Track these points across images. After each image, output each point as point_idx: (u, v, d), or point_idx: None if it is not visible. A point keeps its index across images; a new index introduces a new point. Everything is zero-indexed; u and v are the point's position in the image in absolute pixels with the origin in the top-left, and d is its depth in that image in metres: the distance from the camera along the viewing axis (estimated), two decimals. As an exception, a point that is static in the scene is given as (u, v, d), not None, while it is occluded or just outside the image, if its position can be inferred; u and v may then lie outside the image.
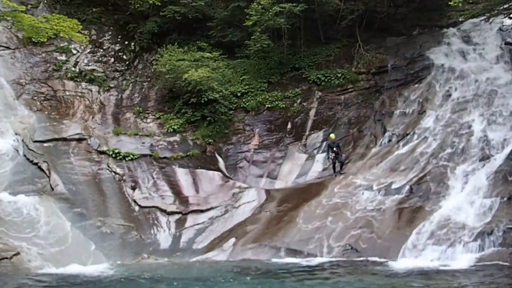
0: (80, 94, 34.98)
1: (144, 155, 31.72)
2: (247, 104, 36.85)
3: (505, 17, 34.88)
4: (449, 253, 22.94)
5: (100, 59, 38.13)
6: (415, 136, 31.50)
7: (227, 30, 40.78)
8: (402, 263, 22.59)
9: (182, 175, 31.38)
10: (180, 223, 28.14)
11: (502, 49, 35.62)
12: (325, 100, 36.72)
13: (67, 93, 34.60)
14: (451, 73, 34.93)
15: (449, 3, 31.45)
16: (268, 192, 31.07)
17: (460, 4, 30.98)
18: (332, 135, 32.04)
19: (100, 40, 39.54)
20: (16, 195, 25.40)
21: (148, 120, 35.22)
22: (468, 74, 34.40)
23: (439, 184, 26.82)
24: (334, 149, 31.17)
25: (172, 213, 28.60)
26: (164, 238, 27.13)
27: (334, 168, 31.62)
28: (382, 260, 23.18)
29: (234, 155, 34.66)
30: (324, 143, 34.00)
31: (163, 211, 28.60)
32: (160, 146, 32.76)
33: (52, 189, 27.07)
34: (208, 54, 37.39)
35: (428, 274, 20.59)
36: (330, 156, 31.46)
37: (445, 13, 39.99)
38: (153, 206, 28.75)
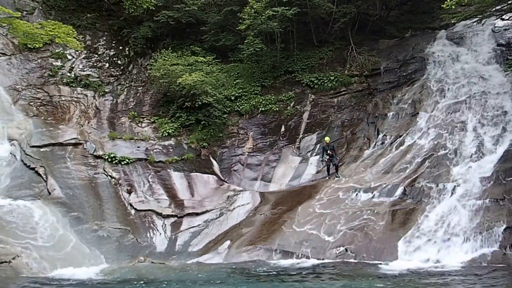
0: (75, 99, 35.11)
1: (140, 159, 31.90)
2: (241, 107, 37.07)
3: (497, 18, 34.90)
4: (442, 254, 23.10)
5: (95, 64, 38.29)
6: (408, 138, 31.67)
7: (221, 34, 41.03)
8: (396, 264, 22.69)
9: (177, 179, 31.56)
10: (176, 226, 28.30)
11: (494, 50, 35.62)
12: (318, 103, 36.92)
13: (63, 98, 34.73)
14: (444, 75, 35.06)
15: (442, 6, 31.54)
16: (262, 195, 31.25)
17: (452, 6, 31.03)
18: (327, 138, 32.09)
19: (94, 46, 39.69)
20: (14, 199, 25.54)
21: (143, 125, 35.37)
22: (461, 75, 34.53)
23: (432, 186, 26.87)
24: (329, 152, 31.25)
25: (168, 216, 28.73)
26: (160, 241, 27.26)
27: (328, 170, 31.70)
28: (376, 262, 23.30)
29: (228, 158, 34.87)
30: (318, 146, 34.21)
31: (158, 214, 28.72)
32: (155, 150, 32.94)
33: (49, 193, 27.18)
34: (201, 58, 37.52)
35: (422, 275, 20.69)
36: (324, 159, 31.57)
37: (437, 15, 40.10)
38: (148, 210, 28.87)
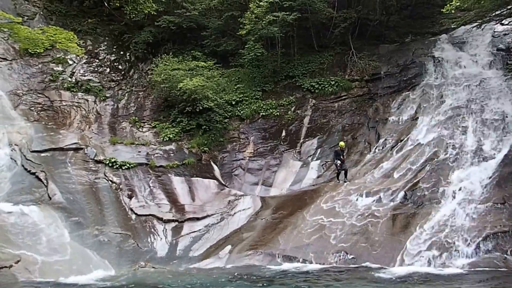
0: (76, 104, 35.07)
1: (141, 164, 31.83)
2: (241, 112, 37.12)
3: (496, 23, 35.04)
4: (444, 258, 23.00)
5: (96, 69, 38.29)
6: (409, 143, 31.66)
7: (221, 39, 41.17)
8: (397, 269, 22.61)
9: (178, 183, 31.53)
10: (177, 231, 28.26)
11: (494, 55, 35.71)
12: (319, 107, 36.97)
13: (64, 103, 34.68)
14: (444, 80, 35.20)
15: (442, 10, 31.66)
16: (263, 199, 31.22)
17: (452, 11, 31.14)
18: (342, 143, 31.79)
19: (95, 51, 39.70)
20: (14, 204, 25.43)
21: (144, 129, 35.37)
22: (461, 80, 34.58)
23: (433, 190, 26.86)
24: (341, 156, 31.18)
25: (169, 221, 28.70)
26: (160, 246, 27.23)
27: (338, 175, 31.39)
28: (378, 266, 23.20)
29: (229, 163, 34.87)
30: (319, 150, 34.27)
31: (159, 219, 28.69)
32: (156, 155, 32.91)
33: (50, 198, 27.06)
34: (202, 63, 37.65)
35: (423, 279, 20.62)
36: (336, 163, 31.39)
37: (437, 20, 40.36)
38: (149, 215, 28.82)
